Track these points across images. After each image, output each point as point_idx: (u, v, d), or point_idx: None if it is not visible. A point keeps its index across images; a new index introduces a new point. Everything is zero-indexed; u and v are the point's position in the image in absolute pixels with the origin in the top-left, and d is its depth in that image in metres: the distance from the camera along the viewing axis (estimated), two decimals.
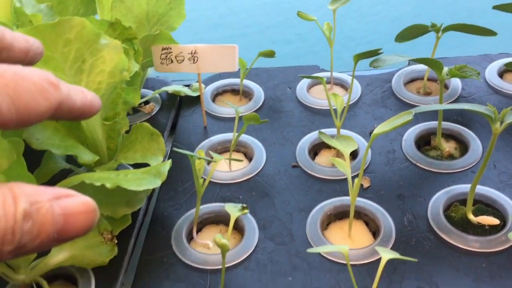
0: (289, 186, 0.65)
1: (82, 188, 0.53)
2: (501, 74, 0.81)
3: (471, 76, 0.62)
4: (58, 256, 0.52)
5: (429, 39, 0.77)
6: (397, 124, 0.51)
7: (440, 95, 0.65)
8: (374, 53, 0.66)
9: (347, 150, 0.59)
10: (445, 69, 0.64)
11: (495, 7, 0.74)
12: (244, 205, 0.52)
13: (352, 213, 0.57)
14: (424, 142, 0.72)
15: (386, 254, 0.46)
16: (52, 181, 0.58)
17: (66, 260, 0.53)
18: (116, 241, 0.57)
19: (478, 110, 0.53)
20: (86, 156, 0.57)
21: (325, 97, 0.80)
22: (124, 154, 0.62)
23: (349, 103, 0.76)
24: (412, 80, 0.83)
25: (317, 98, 0.80)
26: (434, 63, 0.64)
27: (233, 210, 0.50)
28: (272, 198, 0.64)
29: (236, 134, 0.68)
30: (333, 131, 0.72)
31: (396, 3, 1.39)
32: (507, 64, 0.72)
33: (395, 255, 0.45)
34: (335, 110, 0.68)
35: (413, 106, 0.76)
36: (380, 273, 0.44)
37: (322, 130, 0.70)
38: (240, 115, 0.72)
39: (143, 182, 0.53)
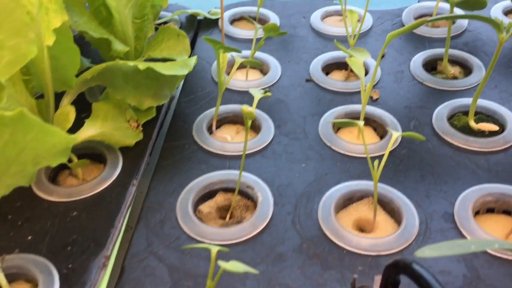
0: (303, 95, 0.69)
1: (111, 76, 0.58)
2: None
3: None
4: (90, 131, 0.56)
5: None
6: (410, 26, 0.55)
7: (448, 34, 0.69)
8: None
9: (361, 58, 0.63)
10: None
11: None
12: (267, 89, 0.56)
13: (362, 117, 0.62)
14: (431, 68, 0.76)
15: (396, 132, 0.50)
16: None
17: (96, 135, 0.57)
18: (142, 129, 0.62)
19: (486, 17, 0.57)
20: (118, 45, 0.61)
21: (339, 25, 0.85)
22: (152, 52, 0.66)
23: (360, 32, 0.80)
24: (421, 16, 0.87)
25: (331, 25, 0.84)
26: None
27: (256, 93, 0.54)
28: (286, 104, 0.68)
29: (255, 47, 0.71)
30: None
31: None
32: None
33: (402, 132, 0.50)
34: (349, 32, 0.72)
35: (422, 37, 0.80)
36: (389, 149, 0.48)
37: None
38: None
39: (173, 68, 0.57)
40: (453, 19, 0.66)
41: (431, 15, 0.86)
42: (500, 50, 0.58)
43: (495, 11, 0.84)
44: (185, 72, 0.58)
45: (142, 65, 0.55)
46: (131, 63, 0.55)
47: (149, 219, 0.53)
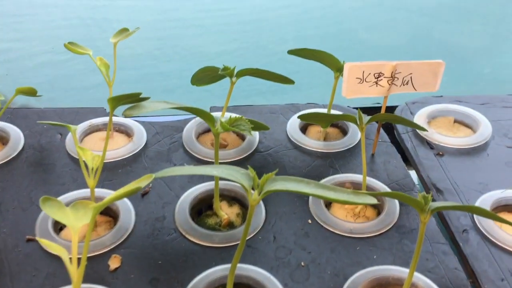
0: None
1: None
2: (305, 127, 0.73)
3: (243, 131, 0.51)
4: None
5: None
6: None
7: (216, 151, 0.53)
8: (135, 97, 0.53)
9: (76, 225, 0.44)
10: (219, 122, 0.53)
11: (289, 52, 0.66)
12: None
13: None
14: (207, 206, 0.60)
15: None
16: None
17: None
18: None
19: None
20: None
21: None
22: None
23: (128, 155, 0.64)
24: (209, 130, 0.72)
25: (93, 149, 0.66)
26: (204, 115, 0.53)
27: None
28: None
29: None
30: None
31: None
32: (300, 116, 0.64)
33: None
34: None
35: (204, 162, 0.65)
36: None
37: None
38: None
39: None
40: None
41: None
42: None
43: (291, 126, 0.72)
44: None
45: None
46: None
47: None
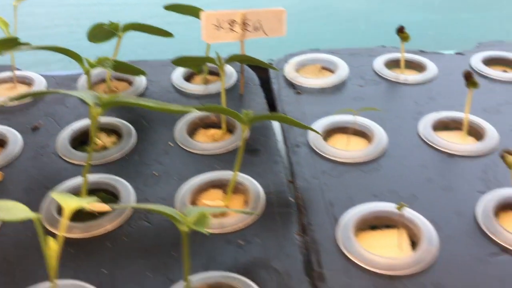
0: None
1: None
2: (191, 76, 0.83)
3: (106, 68, 0.62)
4: None
5: None
6: None
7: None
8: (14, 42, 0.63)
9: None
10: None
11: (166, 8, 0.77)
12: None
13: None
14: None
15: None
16: None
17: None
18: None
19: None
20: None
21: None
22: None
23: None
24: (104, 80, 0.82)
25: None
26: (72, 54, 0.64)
27: None
28: None
29: None
30: None
31: None
32: (173, 61, 0.74)
33: None
34: None
35: None
36: None
37: None
38: None
39: None
40: None
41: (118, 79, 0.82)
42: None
43: (176, 76, 0.82)
44: None
45: None
46: None
47: None
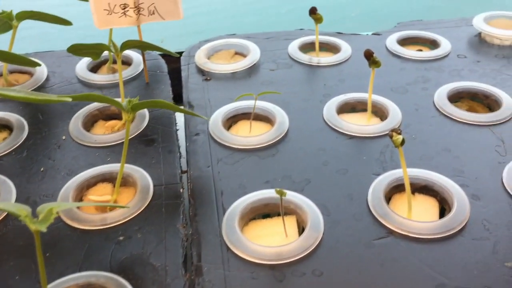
0: None
1: None
2: (98, 66, 0.80)
3: None
4: None
5: None
6: None
7: None
8: None
9: None
10: None
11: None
12: None
13: None
14: None
15: None
16: None
17: None
18: None
19: None
20: None
21: None
22: None
23: None
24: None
25: None
26: None
27: None
28: None
29: None
30: None
31: None
32: (68, 49, 0.70)
33: None
34: None
35: None
36: None
37: None
38: None
39: None
40: None
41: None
42: None
43: (80, 67, 0.78)
44: None
45: None
46: None
47: None
